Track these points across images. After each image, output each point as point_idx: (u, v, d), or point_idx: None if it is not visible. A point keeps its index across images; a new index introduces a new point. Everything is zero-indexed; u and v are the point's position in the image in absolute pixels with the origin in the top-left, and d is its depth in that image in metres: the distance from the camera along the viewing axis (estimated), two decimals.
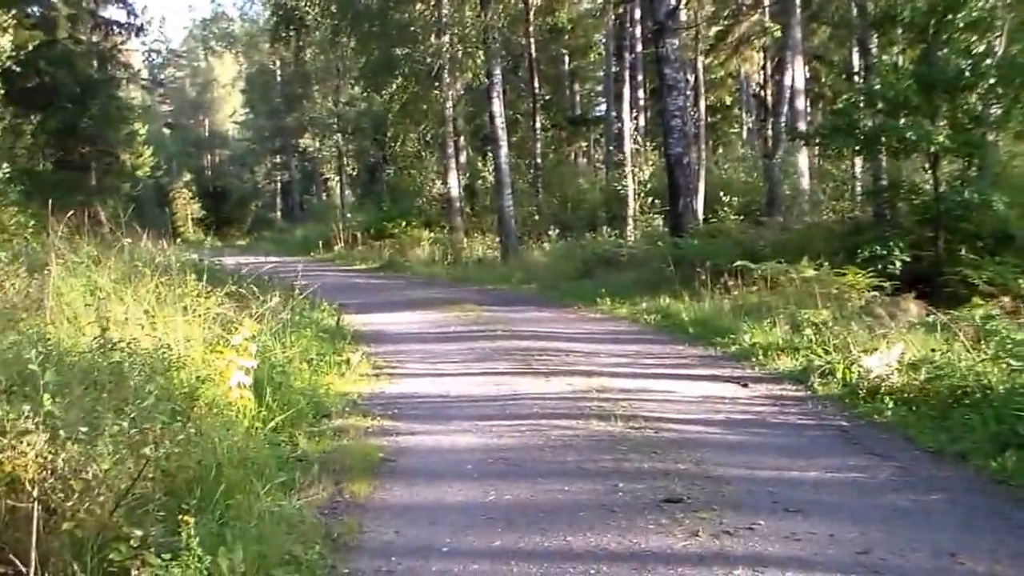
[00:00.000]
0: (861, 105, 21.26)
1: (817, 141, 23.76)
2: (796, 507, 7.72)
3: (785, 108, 30.96)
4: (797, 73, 31.19)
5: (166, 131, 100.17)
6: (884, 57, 23.29)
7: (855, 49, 31.41)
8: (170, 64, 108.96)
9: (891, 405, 10.82)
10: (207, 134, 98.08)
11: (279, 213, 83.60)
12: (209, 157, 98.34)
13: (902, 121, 19.75)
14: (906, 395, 11.05)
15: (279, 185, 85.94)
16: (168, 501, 6.96)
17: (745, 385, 12.69)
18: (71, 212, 16.73)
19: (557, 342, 16.81)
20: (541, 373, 13.89)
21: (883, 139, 20.17)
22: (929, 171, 20.34)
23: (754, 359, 14.38)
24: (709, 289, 19.80)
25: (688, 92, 32.64)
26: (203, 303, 13.39)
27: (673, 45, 26.59)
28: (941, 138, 18.97)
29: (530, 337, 17.48)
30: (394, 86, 42.67)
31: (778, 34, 33.59)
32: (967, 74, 19.15)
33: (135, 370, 8.81)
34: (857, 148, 21.69)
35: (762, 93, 44.59)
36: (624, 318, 20.08)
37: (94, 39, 42.38)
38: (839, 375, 12.27)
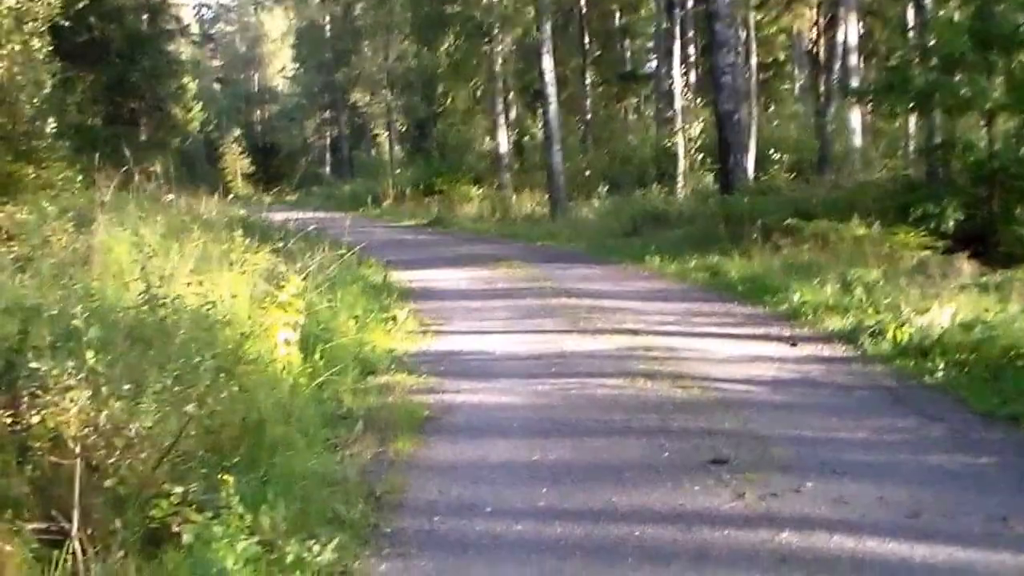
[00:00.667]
0: (916, 61, 21.00)
1: (870, 98, 23.49)
2: (844, 469, 7.64)
3: (838, 65, 30.63)
4: (850, 29, 30.81)
5: (216, 86, 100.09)
6: (940, 12, 22.92)
7: (910, 4, 31.19)
8: (220, 19, 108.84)
9: (942, 366, 10.62)
10: (257, 89, 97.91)
11: (328, 169, 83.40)
12: (259, 112, 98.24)
13: (957, 78, 19.50)
14: (958, 356, 10.87)
15: (329, 141, 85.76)
16: (212, 458, 6.97)
17: (794, 344, 12.55)
18: (121, 167, 16.84)
19: (604, 300, 16.69)
20: (588, 331, 13.80)
21: (937, 96, 19.87)
22: (984, 129, 20.10)
23: (804, 318, 14.20)
24: (759, 247, 19.63)
25: (739, 49, 32.20)
26: (250, 259, 13.41)
27: (724, 0, 26.35)
28: (997, 95, 18.72)
29: (577, 294, 17.37)
30: (445, 43, 42.51)
31: None
32: None
33: (180, 327, 8.80)
34: (911, 106, 21.34)
35: (814, 50, 44.09)
36: (673, 276, 19.88)
37: None
38: (889, 335, 12.06)
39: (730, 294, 17.04)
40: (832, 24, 33.05)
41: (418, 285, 19.37)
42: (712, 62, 27.15)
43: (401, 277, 20.15)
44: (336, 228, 22.23)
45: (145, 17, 38.66)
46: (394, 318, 14.60)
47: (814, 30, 42.84)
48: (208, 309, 9.50)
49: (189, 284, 10.20)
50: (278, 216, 31.17)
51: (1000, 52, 19.20)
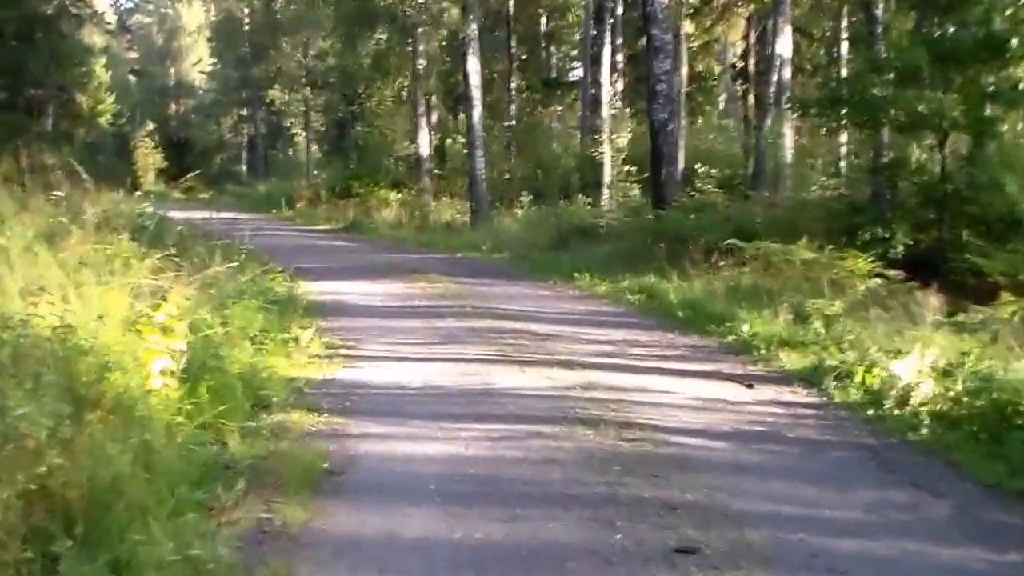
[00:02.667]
0: (869, 72, 19.75)
1: (815, 112, 22.15)
2: (841, 566, 6.14)
3: (774, 77, 29.38)
4: (785, 41, 29.58)
5: (132, 79, 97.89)
6: (894, 25, 21.72)
7: (843, 22, 30.22)
8: (139, 10, 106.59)
9: (927, 421, 9.19)
10: (173, 83, 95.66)
11: (245, 167, 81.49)
12: (174, 107, 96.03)
13: (912, 93, 18.26)
14: (942, 409, 9.47)
15: (246, 139, 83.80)
16: (44, 533, 5.41)
17: (750, 386, 11.04)
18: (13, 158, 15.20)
19: (533, 323, 15.17)
20: (516, 361, 12.25)
21: (891, 111, 18.62)
22: (933, 149, 18.93)
23: (755, 353, 12.73)
24: (698, 268, 18.25)
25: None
26: (133, 269, 11.82)
27: (662, 4, 25.09)
28: (955, 113, 17.47)
29: (503, 316, 15.84)
30: (370, 41, 41.06)
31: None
32: (985, 46, 17.68)
33: (23, 357, 7.16)
34: (863, 120, 20.00)
35: (745, 62, 43.15)
36: (605, 297, 18.44)
37: None
38: (857, 378, 10.66)
39: (670, 321, 15.59)
40: (763, 36, 32.08)
41: (328, 299, 17.81)
42: (647, 68, 25.79)
43: (310, 289, 18.65)
44: (243, 231, 20.71)
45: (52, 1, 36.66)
46: (297, 340, 12.96)
47: (744, 42, 41.99)
48: (63, 334, 7.81)
49: (39, 303, 8.53)
50: (184, 215, 29.65)
51: (957, 68, 18.02)
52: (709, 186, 28.31)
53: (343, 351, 12.94)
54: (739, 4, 36.78)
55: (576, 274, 20.42)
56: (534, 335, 14.12)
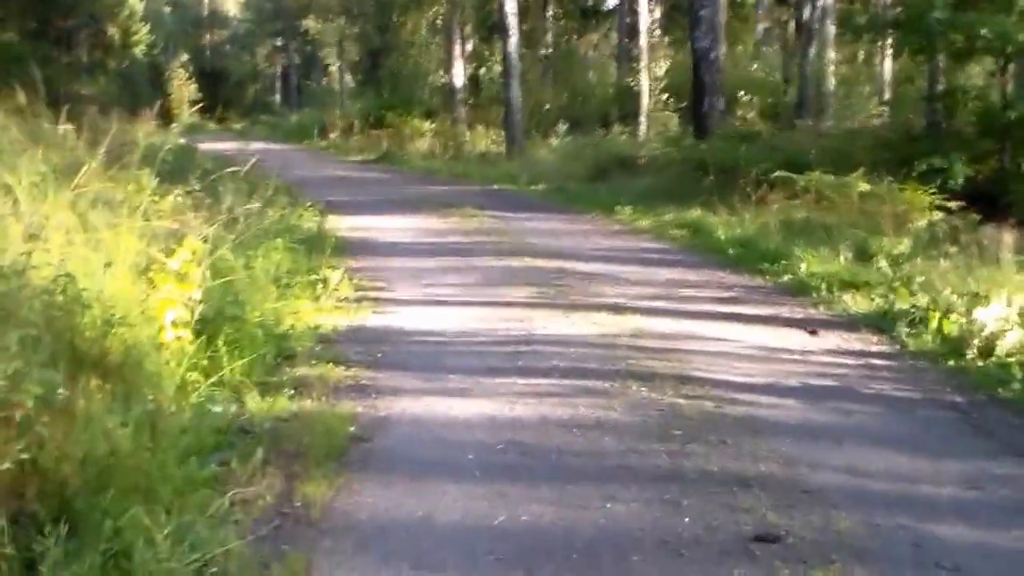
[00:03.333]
0: None
1: (868, 37, 21.12)
2: (951, 559, 5.24)
3: (819, 2, 28.18)
4: None
5: (167, 9, 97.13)
6: None
7: None
8: None
9: (1019, 376, 8.26)
10: (207, 13, 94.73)
11: (279, 98, 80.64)
12: (208, 37, 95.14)
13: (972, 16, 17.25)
14: None
15: (280, 69, 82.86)
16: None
17: (814, 332, 10.13)
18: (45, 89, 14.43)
19: (575, 261, 14.31)
20: (559, 305, 11.38)
21: (950, 36, 17.60)
22: (993, 75, 18.00)
23: (815, 295, 11.80)
24: (746, 202, 17.34)
25: None
26: (154, 206, 11.02)
27: None
28: (1022, 36, 16.48)
29: (543, 254, 14.96)
30: None
31: None
32: None
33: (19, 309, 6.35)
34: (921, 46, 18.95)
35: None
36: (647, 232, 17.57)
37: None
38: (933, 325, 9.73)
39: (719, 259, 14.70)
40: None
41: (358, 236, 17.00)
42: None
43: (340, 224, 17.89)
44: (275, 162, 19.94)
45: None
46: (324, 281, 12.12)
47: None
48: (64, 284, 6.97)
49: (37, 248, 7.69)
50: (214, 146, 28.95)
51: None
52: (750, 115, 27.48)
53: (373, 294, 12.12)
54: None
55: (617, 208, 19.54)
56: (576, 275, 13.27)
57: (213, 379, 7.60)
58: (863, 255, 12.99)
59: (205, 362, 7.80)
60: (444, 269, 13.90)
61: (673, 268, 13.97)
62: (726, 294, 12.25)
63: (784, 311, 11.20)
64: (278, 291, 10.98)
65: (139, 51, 74.89)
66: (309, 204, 18.63)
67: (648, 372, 8.55)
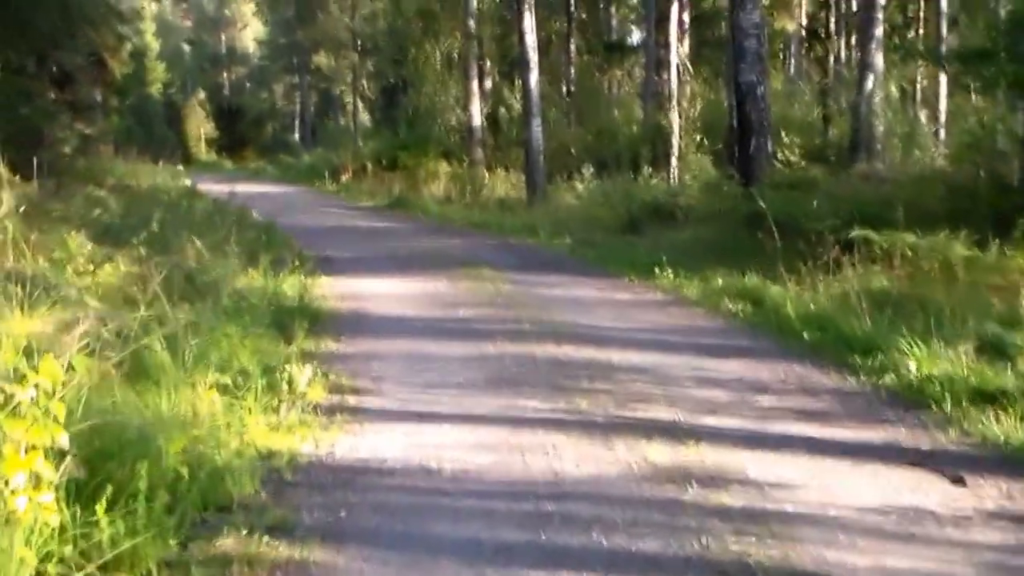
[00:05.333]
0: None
1: (959, 69, 18.25)
2: None
3: (876, 32, 25.35)
4: None
5: (186, 47, 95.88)
6: None
7: None
8: None
9: None
10: (224, 50, 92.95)
11: (297, 136, 78.41)
12: (226, 74, 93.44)
13: None
14: None
15: (298, 107, 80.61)
16: None
17: (959, 481, 7.12)
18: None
19: (611, 348, 11.39)
20: (596, 425, 8.42)
21: None
22: None
23: (936, 408, 8.84)
24: (813, 265, 14.45)
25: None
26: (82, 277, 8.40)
27: None
28: None
29: (571, 336, 12.04)
30: None
31: None
32: None
33: None
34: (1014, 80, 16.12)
35: (825, 17, 39.58)
36: (697, 304, 14.56)
37: None
38: None
39: (793, 345, 11.68)
40: None
41: (349, 307, 14.31)
42: (733, 22, 22.01)
43: (331, 289, 15.35)
44: (277, 207, 17.35)
45: None
46: (291, 381, 9.26)
47: None
48: None
49: None
50: (218, 188, 26.92)
51: None
52: (793, 156, 24.86)
53: (352, 400, 9.27)
54: None
55: (656, 269, 16.64)
56: (615, 371, 10.34)
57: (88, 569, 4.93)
58: (990, 347, 10.03)
59: (76, 533, 5.19)
60: (447, 360, 10.97)
61: (738, 359, 10.98)
62: (815, 404, 9.25)
63: (901, 436, 8.21)
64: (223, 400, 8.21)
65: (155, 89, 73.06)
66: (297, 263, 15.97)
67: (739, 563, 5.67)
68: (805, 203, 17.28)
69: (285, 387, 9.10)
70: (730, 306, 13.92)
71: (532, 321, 12.99)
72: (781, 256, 14.47)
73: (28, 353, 6.74)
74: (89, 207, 15.93)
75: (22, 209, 10.32)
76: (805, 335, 11.84)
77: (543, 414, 8.76)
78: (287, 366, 9.52)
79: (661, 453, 7.65)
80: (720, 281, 15.37)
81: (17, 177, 17.50)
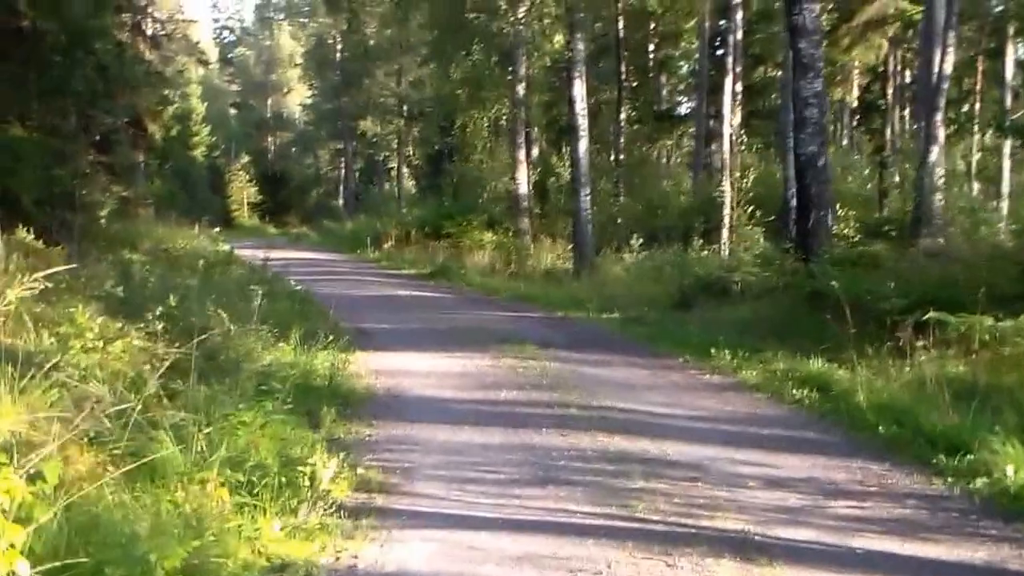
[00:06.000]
0: None
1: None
2: None
3: (941, 102, 24.38)
4: (946, 64, 24.55)
5: (232, 111, 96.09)
6: None
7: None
8: (241, 43, 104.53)
9: None
10: (269, 115, 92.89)
11: (342, 202, 77.80)
12: (271, 139, 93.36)
13: None
14: None
15: (343, 172, 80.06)
16: None
17: None
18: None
19: (667, 440, 10.37)
20: (655, 535, 7.39)
21: None
22: None
23: None
24: (883, 349, 13.42)
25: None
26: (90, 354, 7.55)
27: (812, 12, 20.38)
28: None
29: (623, 426, 11.01)
30: (465, 62, 36.82)
31: (917, 16, 27.82)
32: None
33: None
34: None
35: (882, 89, 38.61)
36: (758, 389, 13.45)
37: None
38: None
39: (868, 439, 10.62)
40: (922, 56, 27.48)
41: (385, 385, 13.35)
42: (793, 91, 21.02)
43: (365, 366, 14.38)
44: (315, 276, 16.42)
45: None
46: (312, 477, 8.29)
47: (891, 63, 37.50)
48: None
49: None
50: (252, 252, 26.24)
51: None
52: (849, 231, 23.92)
53: (380, 500, 8.31)
54: (887, 20, 31.84)
55: (712, 349, 15.56)
56: (673, 467, 9.33)
57: None
58: None
59: None
60: (488, 450, 9.97)
61: (808, 455, 9.92)
62: (900, 512, 8.17)
63: (1005, 555, 7.13)
64: (235, 499, 7.32)
65: (199, 152, 72.80)
66: (331, 336, 15.05)
67: None
68: (870, 281, 16.23)
69: (307, 483, 8.15)
70: (794, 392, 12.84)
71: (580, 406, 11.99)
72: (849, 339, 13.43)
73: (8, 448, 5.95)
74: (109, 275, 15.05)
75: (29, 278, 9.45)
76: (880, 428, 10.78)
77: (595, 519, 7.75)
78: (311, 459, 8.54)
79: (732, 572, 6.64)
80: (781, 364, 14.34)
81: (40, 241, 16.77)
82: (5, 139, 22.95)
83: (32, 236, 16.63)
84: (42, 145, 24.32)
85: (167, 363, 9.44)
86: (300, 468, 8.32)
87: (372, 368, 14.34)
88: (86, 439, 7.50)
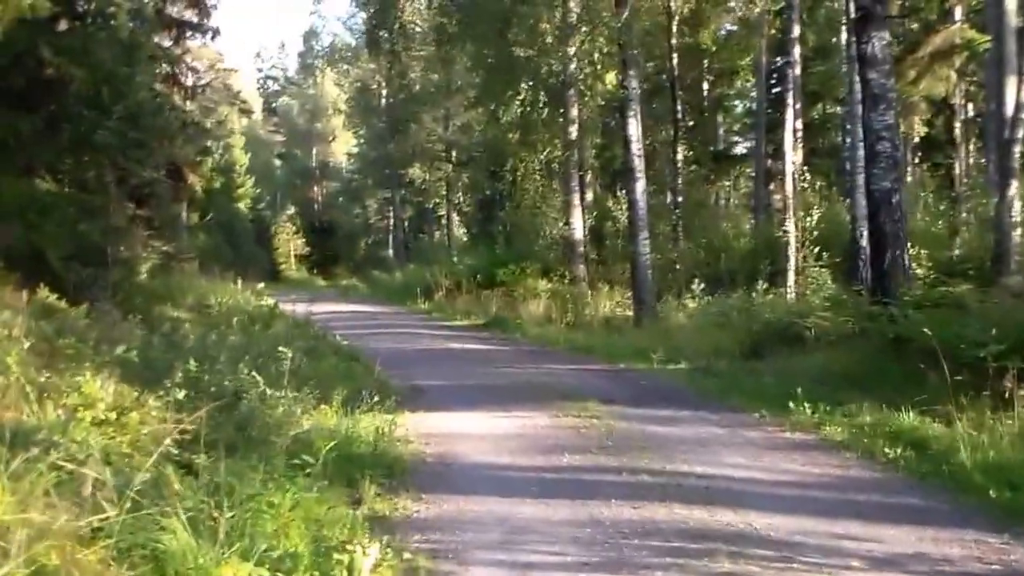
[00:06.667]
0: None
1: None
2: None
3: (1020, 134, 23.06)
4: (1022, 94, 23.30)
5: (277, 162, 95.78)
6: None
7: None
8: (285, 92, 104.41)
9: None
10: (315, 164, 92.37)
11: (392, 252, 76.97)
12: (316, 189, 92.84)
13: None
14: None
15: (391, 221, 79.22)
16: None
17: None
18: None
19: (751, 511, 9.14)
20: None
21: None
22: None
23: None
24: (977, 401, 12.18)
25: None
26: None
27: (882, 41, 19.18)
28: None
29: (700, 494, 9.82)
30: (514, 104, 35.77)
31: (986, 46, 26.54)
32: None
33: None
34: None
35: (952, 122, 37.47)
36: (844, 447, 12.10)
37: (163, 43, 36.25)
38: None
39: (975, 505, 9.36)
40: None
41: (435, 451, 12.21)
42: (864, 124, 19.79)
43: (414, 428, 13.32)
44: (364, 330, 15.30)
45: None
46: (350, 566, 7.17)
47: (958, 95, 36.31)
48: None
49: None
50: (296, 307, 25.38)
51: None
52: (919, 271, 22.70)
53: None
54: (954, 51, 30.54)
55: (790, 403, 14.27)
56: (762, 545, 8.12)
57: None
58: None
59: None
60: (551, 529, 8.78)
61: (915, 527, 8.68)
62: None
63: None
64: None
65: (244, 204, 72.23)
66: (378, 396, 13.99)
67: None
68: (959, 325, 14.97)
69: (344, 575, 7.05)
70: (887, 451, 11.56)
71: (652, 472, 10.80)
72: (943, 389, 12.21)
73: None
74: (133, 334, 14.08)
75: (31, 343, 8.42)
76: (991, 492, 9.54)
77: None
78: (350, 544, 7.42)
79: None
80: (868, 417, 13.08)
81: (63, 301, 15.80)
82: (30, 193, 22.10)
83: (55, 296, 15.69)
84: (69, 199, 23.45)
85: (187, 436, 8.45)
86: (337, 556, 7.22)
87: (421, 431, 13.22)
88: (89, 529, 6.47)
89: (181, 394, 9.09)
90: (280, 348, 11.63)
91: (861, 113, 20.70)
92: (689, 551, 7.99)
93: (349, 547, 7.36)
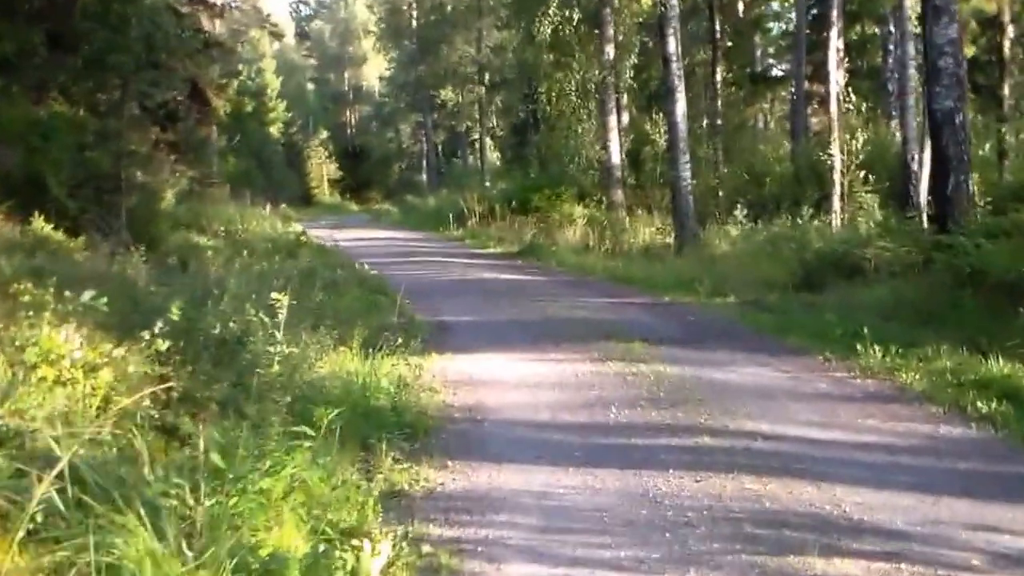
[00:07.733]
0: None
1: None
2: None
3: None
4: None
5: (310, 87, 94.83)
6: None
7: None
8: (317, 15, 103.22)
9: None
10: (347, 89, 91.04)
11: (425, 177, 75.71)
12: (350, 113, 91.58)
13: None
14: None
15: (424, 145, 77.82)
16: None
17: None
18: None
19: (836, 484, 7.70)
20: None
21: None
22: None
23: None
24: None
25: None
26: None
27: None
28: None
29: (770, 461, 8.38)
30: (547, 23, 34.21)
31: None
32: None
33: None
34: None
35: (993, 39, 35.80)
36: (927, 397, 10.63)
37: None
38: None
39: None
40: None
41: (464, 402, 10.86)
42: (925, 39, 18.26)
43: (443, 373, 12.05)
44: (392, 258, 13.99)
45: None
46: (358, 556, 5.80)
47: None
48: None
49: None
50: (326, 233, 24.24)
51: None
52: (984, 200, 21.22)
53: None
54: None
55: (856, 343, 12.79)
56: (858, 535, 6.67)
57: None
58: None
59: None
60: (599, 506, 7.36)
61: None
62: None
63: None
64: None
65: (275, 129, 70.97)
66: (400, 340, 12.66)
67: None
68: None
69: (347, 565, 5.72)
70: (979, 404, 10.07)
71: (713, 431, 9.35)
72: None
73: None
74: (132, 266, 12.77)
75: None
76: None
77: None
78: (355, 541, 6.05)
79: None
80: (947, 362, 11.63)
81: (59, 231, 14.53)
82: (33, 116, 20.73)
83: (52, 227, 14.35)
84: (78, 123, 22.07)
85: (176, 393, 7.15)
86: (339, 554, 5.87)
87: (449, 378, 11.87)
88: (25, 531, 5.13)
89: (164, 345, 7.71)
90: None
91: (920, 29, 19.16)
92: (769, 543, 6.58)
93: (355, 543, 6.00)
